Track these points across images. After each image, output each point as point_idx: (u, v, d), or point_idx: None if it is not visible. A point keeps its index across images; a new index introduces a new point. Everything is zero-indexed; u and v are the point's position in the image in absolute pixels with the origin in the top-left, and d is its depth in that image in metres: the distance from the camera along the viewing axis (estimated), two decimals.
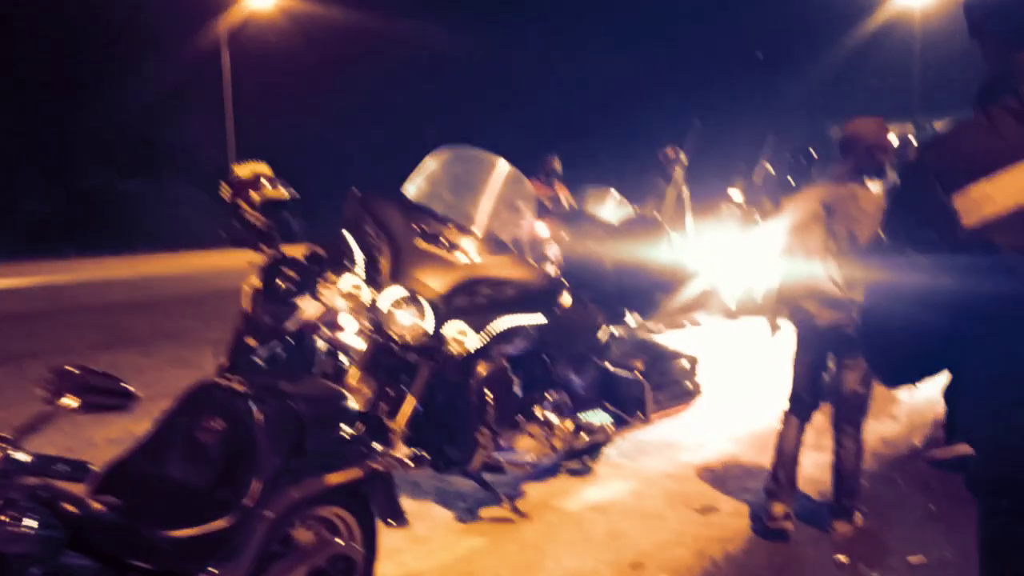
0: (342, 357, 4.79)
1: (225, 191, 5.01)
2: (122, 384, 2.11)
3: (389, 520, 3.03)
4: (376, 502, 2.97)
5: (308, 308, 4.84)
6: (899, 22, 29.96)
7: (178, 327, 10.78)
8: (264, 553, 2.51)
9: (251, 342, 4.80)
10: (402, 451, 3.96)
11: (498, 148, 4.70)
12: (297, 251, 4.93)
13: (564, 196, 9.85)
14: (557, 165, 10.19)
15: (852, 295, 3.89)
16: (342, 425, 2.81)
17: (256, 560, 2.43)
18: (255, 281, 4.89)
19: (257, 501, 2.38)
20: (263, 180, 4.96)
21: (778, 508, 4.12)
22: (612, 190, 6.73)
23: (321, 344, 4.88)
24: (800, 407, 4.26)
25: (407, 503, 4.60)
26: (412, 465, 3.08)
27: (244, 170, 5.05)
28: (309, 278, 4.63)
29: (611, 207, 6.63)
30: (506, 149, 4.70)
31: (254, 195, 4.92)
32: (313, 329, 4.85)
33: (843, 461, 4.14)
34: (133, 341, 10.04)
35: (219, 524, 2.30)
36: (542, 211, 8.48)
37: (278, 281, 4.82)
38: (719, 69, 35.42)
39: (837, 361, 4.14)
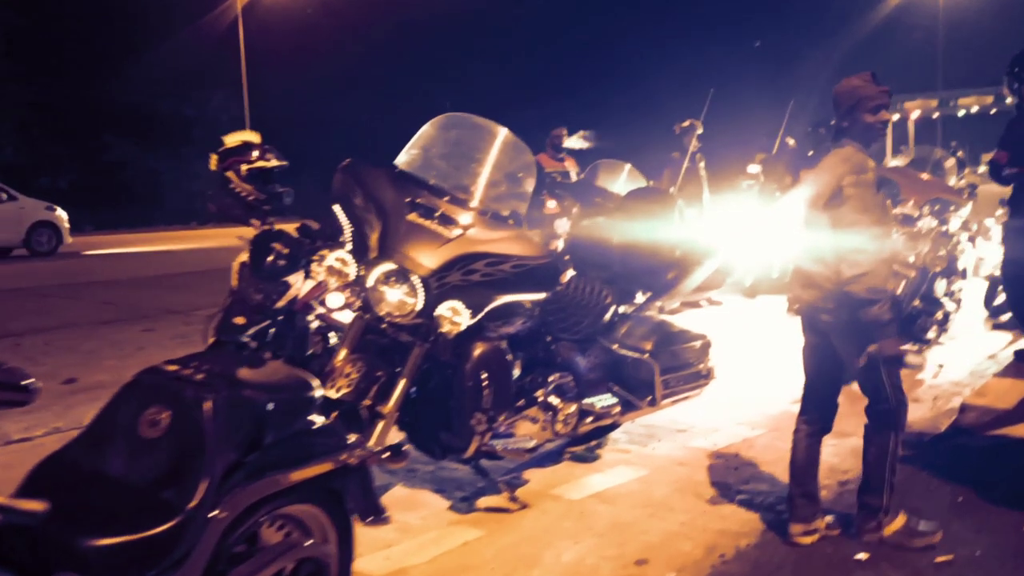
0: (333, 337, 4.56)
1: (213, 162, 4.76)
2: (21, 380, 1.85)
3: (366, 518, 2.77)
4: (351, 498, 2.71)
5: (300, 285, 4.61)
6: None
7: (185, 303, 10.67)
8: (221, 557, 2.27)
9: (239, 321, 4.57)
10: (393, 437, 3.73)
11: (515, 120, 4.42)
12: (290, 226, 4.68)
13: (574, 171, 9.58)
14: (566, 138, 9.93)
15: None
16: (310, 415, 2.55)
17: (206, 567, 2.18)
18: (244, 257, 4.65)
19: (205, 502, 2.12)
20: (252, 150, 4.72)
21: (795, 528, 3.79)
22: (626, 164, 6.46)
23: (313, 323, 4.64)
24: (809, 405, 3.88)
25: (401, 491, 4.40)
26: (389, 455, 2.80)
27: (232, 139, 4.79)
28: (301, 254, 4.36)
29: (623, 181, 6.36)
30: (525, 122, 4.43)
31: (243, 166, 4.68)
32: (305, 307, 4.62)
33: (865, 454, 3.82)
34: (139, 317, 9.95)
35: (161, 528, 2.04)
36: (552, 185, 8.21)
37: (268, 257, 4.57)
38: (740, 42, 34.84)
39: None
